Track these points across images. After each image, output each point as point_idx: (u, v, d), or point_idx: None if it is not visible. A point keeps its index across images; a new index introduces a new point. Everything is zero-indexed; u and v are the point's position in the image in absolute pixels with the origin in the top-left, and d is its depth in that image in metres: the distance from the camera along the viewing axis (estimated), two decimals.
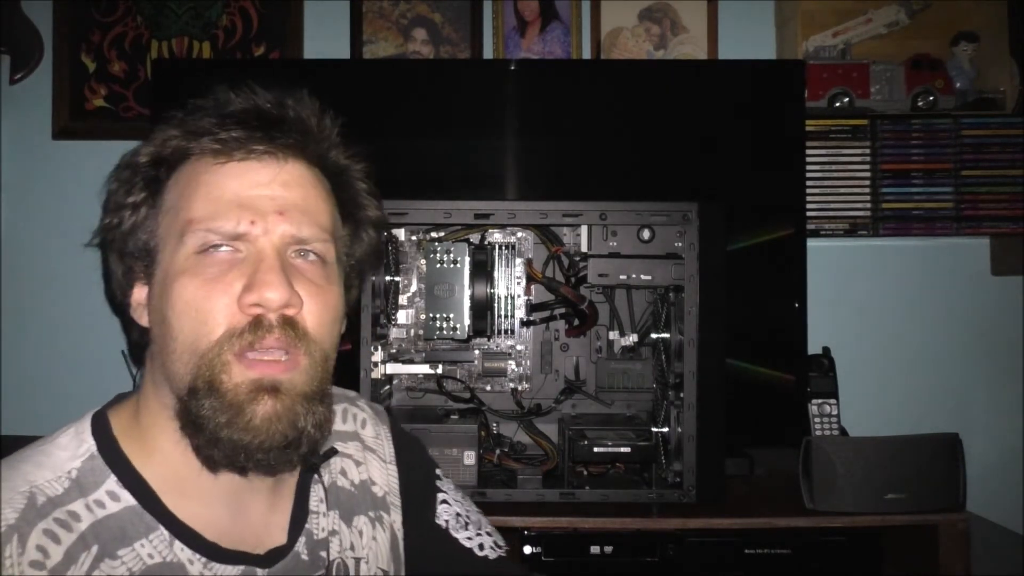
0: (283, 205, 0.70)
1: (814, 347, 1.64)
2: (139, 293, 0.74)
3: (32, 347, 1.95)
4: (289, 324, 0.67)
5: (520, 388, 1.58)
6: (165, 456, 0.70)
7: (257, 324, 0.66)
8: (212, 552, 0.69)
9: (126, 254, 0.74)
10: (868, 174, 1.85)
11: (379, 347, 1.44)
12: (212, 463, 0.68)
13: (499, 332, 1.54)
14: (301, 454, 0.69)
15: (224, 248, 0.68)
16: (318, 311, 0.70)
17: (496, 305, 1.52)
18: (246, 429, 0.65)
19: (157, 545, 0.68)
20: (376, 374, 1.42)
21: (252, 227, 0.69)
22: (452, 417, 1.49)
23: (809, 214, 1.78)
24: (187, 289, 0.67)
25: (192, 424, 0.67)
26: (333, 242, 0.74)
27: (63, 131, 1.96)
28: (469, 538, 0.87)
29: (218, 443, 0.66)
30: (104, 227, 0.75)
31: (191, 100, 0.74)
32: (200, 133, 0.71)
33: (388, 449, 0.89)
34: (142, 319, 0.74)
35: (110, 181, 0.74)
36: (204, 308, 0.67)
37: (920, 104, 1.85)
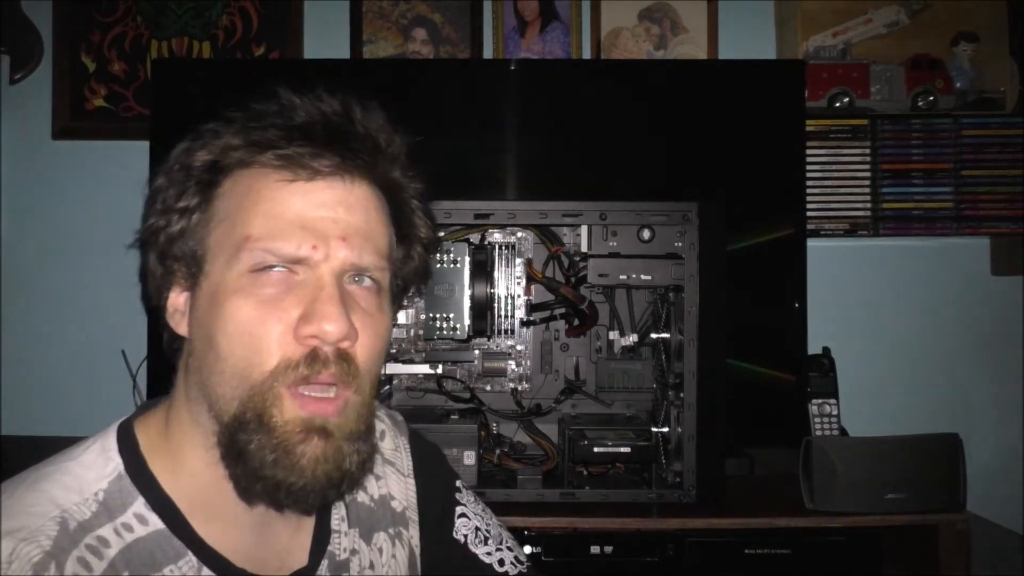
0: (346, 230, 0.67)
1: (814, 347, 1.64)
2: (176, 299, 0.70)
3: (32, 347, 1.95)
4: (344, 358, 0.65)
5: (520, 388, 1.58)
6: (194, 476, 0.68)
7: (313, 358, 0.64)
8: None
9: (168, 257, 0.70)
10: (868, 174, 1.85)
11: None
12: (249, 496, 0.66)
13: (499, 332, 1.54)
14: (341, 492, 0.67)
15: (279, 268, 0.65)
16: (370, 343, 0.67)
17: (496, 305, 1.52)
18: (292, 469, 0.63)
19: (186, 572, 0.66)
20: None
21: (314, 252, 0.65)
22: (452, 417, 1.49)
23: (809, 214, 1.78)
24: (241, 311, 0.64)
25: (236, 455, 0.64)
26: (389, 265, 0.72)
27: (63, 131, 1.96)
28: (488, 553, 0.85)
29: (261, 480, 0.64)
30: (149, 228, 0.70)
31: (250, 106, 0.70)
32: (264, 145, 0.67)
33: (407, 461, 0.86)
34: (179, 327, 0.70)
35: (159, 178, 0.71)
36: (258, 334, 0.64)
37: (920, 104, 1.85)
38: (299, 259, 0.65)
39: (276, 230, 0.65)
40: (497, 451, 1.47)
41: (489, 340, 1.57)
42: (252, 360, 0.64)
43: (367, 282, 0.69)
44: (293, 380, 0.63)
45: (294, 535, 0.74)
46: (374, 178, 0.71)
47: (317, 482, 0.64)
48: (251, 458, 0.63)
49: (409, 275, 0.79)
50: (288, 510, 0.68)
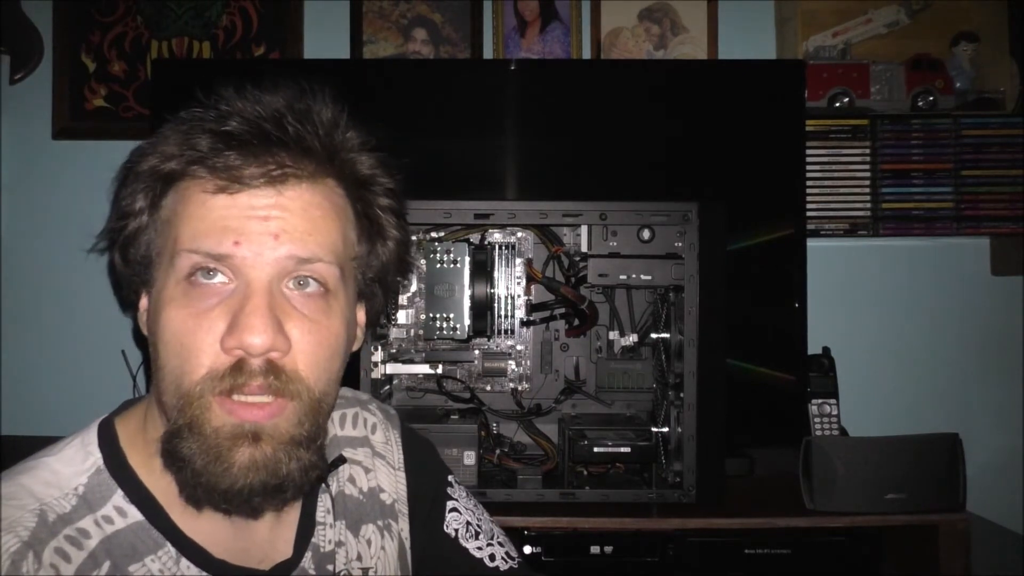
0: (279, 228, 0.66)
1: (814, 347, 1.64)
2: (144, 301, 0.72)
3: (32, 347, 1.95)
4: (273, 370, 0.64)
5: (520, 388, 1.58)
6: (167, 471, 0.68)
7: (238, 369, 0.63)
8: (218, 569, 0.69)
9: (129, 260, 0.72)
10: (868, 174, 1.86)
11: (379, 347, 1.44)
12: (194, 502, 0.66)
13: (499, 332, 1.54)
14: (286, 498, 0.67)
15: (217, 278, 0.65)
16: (311, 351, 0.66)
17: (496, 305, 1.52)
18: (224, 475, 0.63)
19: (166, 561, 0.67)
20: (376, 374, 1.42)
21: (236, 248, 0.65)
22: (452, 417, 1.49)
23: (809, 214, 1.78)
24: (174, 322, 0.65)
25: (173, 464, 0.65)
26: (338, 265, 0.70)
27: (63, 131, 1.96)
28: (480, 548, 0.85)
29: (197, 486, 0.64)
30: (108, 230, 0.73)
31: (194, 108, 0.70)
32: (195, 158, 0.67)
33: (398, 455, 0.87)
34: (144, 328, 0.72)
35: (116, 181, 0.73)
36: (188, 344, 0.64)
37: (920, 104, 1.85)
38: (222, 256, 0.65)
39: (200, 231, 0.66)
40: (497, 451, 1.47)
41: (489, 340, 1.56)
42: (184, 369, 0.64)
43: (312, 287, 0.68)
44: (220, 390, 0.63)
45: (276, 527, 0.75)
46: (319, 178, 0.70)
47: (252, 489, 0.64)
48: (186, 464, 0.64)
49: (381, 272, 0.77)
50: (235, 515, 0.68)
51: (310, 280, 0.68)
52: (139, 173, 0.70)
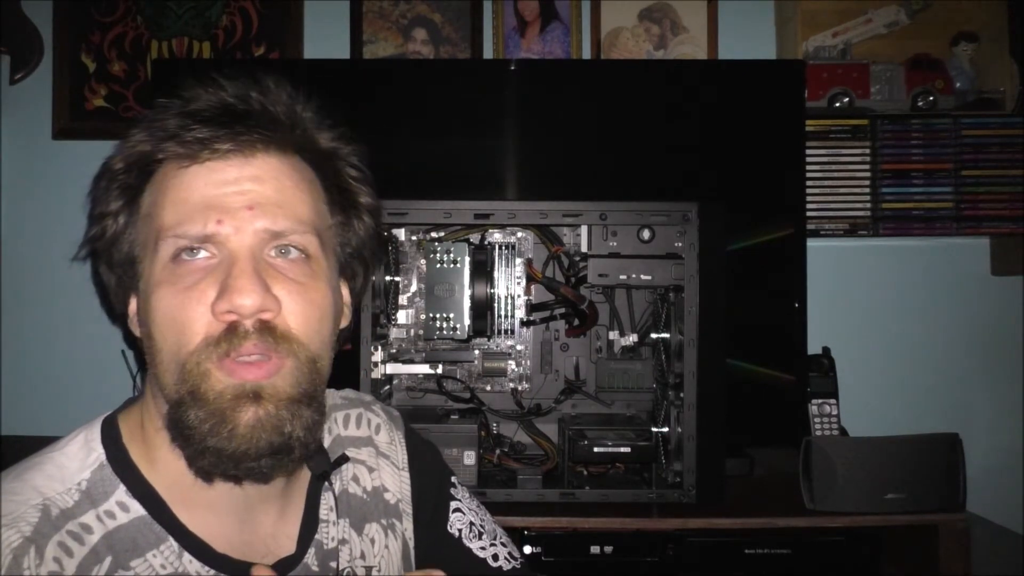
0: (253, 200, 0.68)
1: (814, 347, 1.64)
2: (132, 304, 0.73)
3: (32, 347, 1.95)
4: (267, 329, 0.65)
5: (520, 388, 1.58)
6: (168, 466, 0.69)
7: (232, 331, 0.64)
8: (220, 564, 0.69)
9: (114, 264, 0.73)
10: (868, 174, 1.85)
11: (379, 347, 1.44)
12: (204, 473, 0.67)
13: (499, 332, 1.54)
14: (294, 459, 0.68)
15: (200, 254, 0.67)
16: (300, 310, 0.68)
17: (496, 305, 1.52)
18: (229, 437, 0.64)
19: (168, 556, 0.67)
20: (376, 374, 1.42)
21: (220, 227, 0.66)
22: (452, 417, 1.49)
23: (809, 214, 1.78)
24: (164, 300, 0.66)
25: (180, 435, 0.65)
26: (315, 233, 0.71)
27: (63, 131, 1.96)
28: (483, 548, 0.86)
29: (205, 452, 0.64)
30: (89, 239, 0.74)
31: (159, 100, 0.72)
32: (165, 136, 0.69)
33: (401, 455, 0.87)
34: (136, 330, 0.73)
35: (91, 190, 0.74)
36: (181, 318, 0.65)
37: (920, 104, 1.84)
38: (208, 236, 0.66)
39: (184, 214, 0.67)
40: (497, 451, 1.47)
41: (489, 340, 1.57)
42: (180, 342, 0.65)
43: (293, 253, 0.69)
44: (217, 356, 0.64)
45: (279, 523, 0.75)
46: (282, 148, 0.72)
47: (258, 449, 0.64)
48: (193, 433, 0.64)
49: (360, 244, 0.79)
50: (247, 482, 0.69)
51: (291, 248, 0.69)
52: (112, 171, 0.72)
